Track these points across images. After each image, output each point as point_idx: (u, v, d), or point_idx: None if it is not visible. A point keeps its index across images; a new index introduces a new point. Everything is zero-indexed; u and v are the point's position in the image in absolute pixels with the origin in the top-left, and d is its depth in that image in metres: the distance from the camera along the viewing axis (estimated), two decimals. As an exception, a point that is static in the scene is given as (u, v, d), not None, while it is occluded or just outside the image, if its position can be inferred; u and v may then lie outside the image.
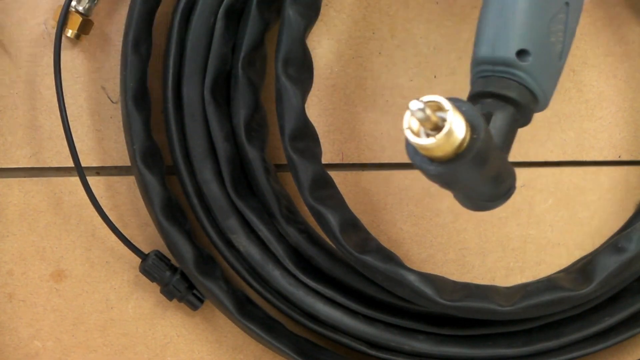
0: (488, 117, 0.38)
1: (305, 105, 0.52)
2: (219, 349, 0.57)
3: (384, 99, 0.56)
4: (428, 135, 0.32)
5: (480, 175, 0.35)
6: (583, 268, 0.51)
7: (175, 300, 0.55)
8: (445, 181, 0.35)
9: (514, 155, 0.56)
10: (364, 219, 0.54)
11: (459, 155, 0.33)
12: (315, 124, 0.53)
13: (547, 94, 0.40)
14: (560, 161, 0.56)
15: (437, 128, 0.32)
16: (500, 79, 0.39)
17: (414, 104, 0.31)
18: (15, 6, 0.56)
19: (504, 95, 0.38)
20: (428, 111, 0.32)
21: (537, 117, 0.56)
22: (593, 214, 0.56)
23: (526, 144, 0.56)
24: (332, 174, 0.53)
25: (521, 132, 0.56)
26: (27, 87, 0.56)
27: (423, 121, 0.32)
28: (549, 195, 0.56)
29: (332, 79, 0.56)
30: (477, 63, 0.39)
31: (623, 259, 0.50)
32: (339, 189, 0.53)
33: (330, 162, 0.56)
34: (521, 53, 0.38)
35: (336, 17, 0.56)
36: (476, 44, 0.40)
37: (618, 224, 0.56)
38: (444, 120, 0.32)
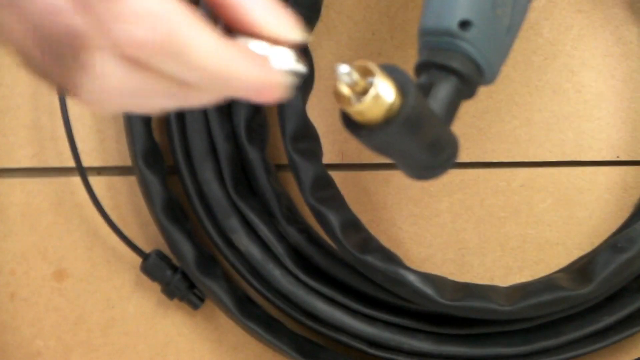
0: (430, 87, 0.38)
1: (306, 106, 0.52)
2: (219, 347, 0.57)
3: (383, 99, 0.56)
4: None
5: (414, 141, 0.35)
6: (582, 268, 0.52)
7: (176, 299, 0.55)
8: (378, 147, 0.35)
9: (512, 155, 0.57)
10: (364, 219, 0.54)
11: (389, 120, 0.33)
12: (315, 124, 0.53)
13: (493, 66, 0.40)
14: (558, 161, 0.56)
15: (365, 92, 0.32)
16: (443, 50, 0.39)
17: (342, 68, 0.32)
18: (16, 7, 0.56)
19: (447, 66, 0.38)
20: (355, 75, 0.32)
21: (536, 117, 0.56)
22: (591, 214, 0.56)
23: (525, 144, 0.56)
24: (332, 174, 0.53)
25: (520, 133, 0.57)
26: (28, 87, 0.56)
27: (352, 85, 0.32)
28: (548, 195, 0.56)
29: (333, 80, 0.56)
30: (423, 34, 0.40)
31: (622, 259, 0.50)
32: (339, 189, 0.53)
33: (331, 162, 0.56)
34: (464, 24, 0.38)
35: (336, 19, 0.56)
36: (422, 14, 0.40)
37: (616, 224, 0.56)
38: (371, 84, 0.32)
